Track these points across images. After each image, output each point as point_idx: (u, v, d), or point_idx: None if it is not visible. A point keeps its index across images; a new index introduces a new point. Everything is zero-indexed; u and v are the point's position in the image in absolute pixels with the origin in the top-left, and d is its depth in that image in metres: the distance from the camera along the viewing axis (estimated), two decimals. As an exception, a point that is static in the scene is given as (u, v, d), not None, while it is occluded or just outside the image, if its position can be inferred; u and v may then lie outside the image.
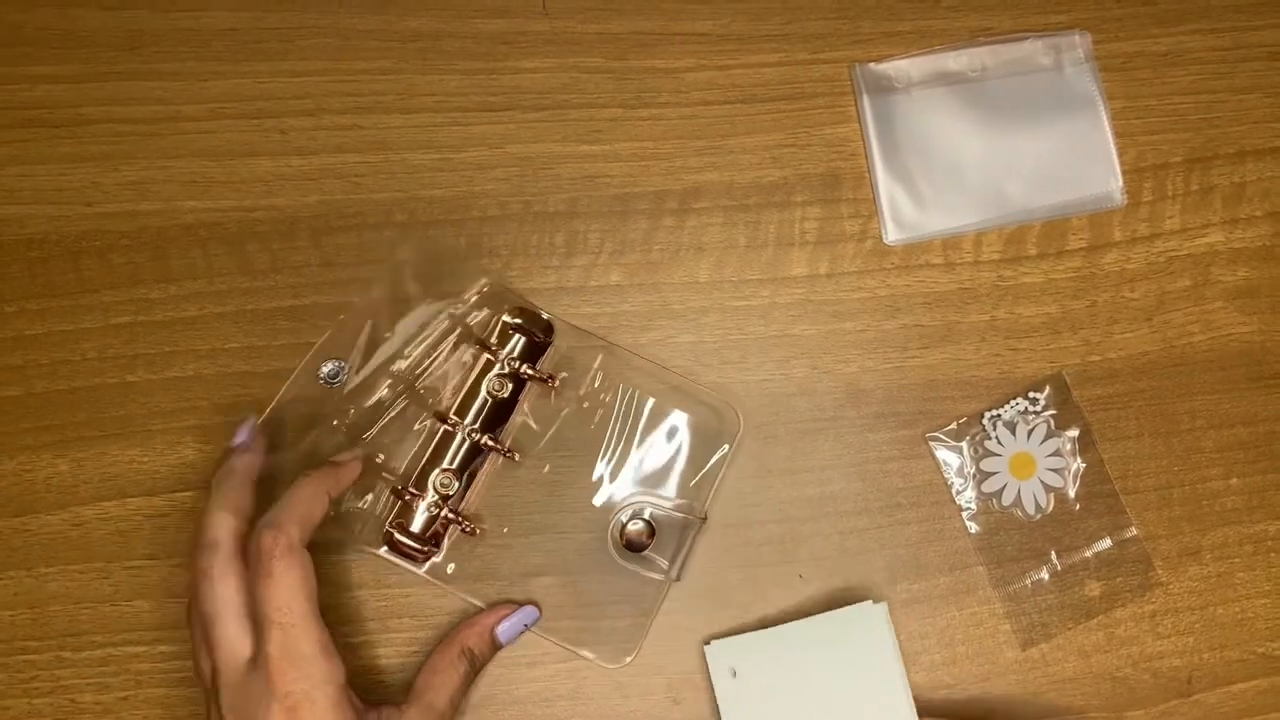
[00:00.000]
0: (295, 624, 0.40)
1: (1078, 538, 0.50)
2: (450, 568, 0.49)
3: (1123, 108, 0.53)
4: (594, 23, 0.53)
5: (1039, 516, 0.50)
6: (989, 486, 0.50)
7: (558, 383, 0.49)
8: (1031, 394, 0.51)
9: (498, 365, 0.49)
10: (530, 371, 0.49)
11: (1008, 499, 0.50)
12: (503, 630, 0.47)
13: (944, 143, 0.52)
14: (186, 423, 0.50)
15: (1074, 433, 0.50)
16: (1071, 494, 0.50)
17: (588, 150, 0.52)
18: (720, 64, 0.53)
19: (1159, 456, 0.51)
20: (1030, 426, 0.50)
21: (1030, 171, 0.52)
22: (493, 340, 0.49)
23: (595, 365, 0.50)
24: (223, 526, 0.42)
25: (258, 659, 0.40)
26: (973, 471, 0.50)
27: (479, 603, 0.48)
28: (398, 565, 0.48)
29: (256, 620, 0.41)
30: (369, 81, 0.52)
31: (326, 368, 0.45)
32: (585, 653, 0.48)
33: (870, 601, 0.47)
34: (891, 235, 0.52)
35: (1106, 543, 0.50)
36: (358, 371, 0.47)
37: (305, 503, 0.43)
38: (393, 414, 0.48)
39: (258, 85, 0.52)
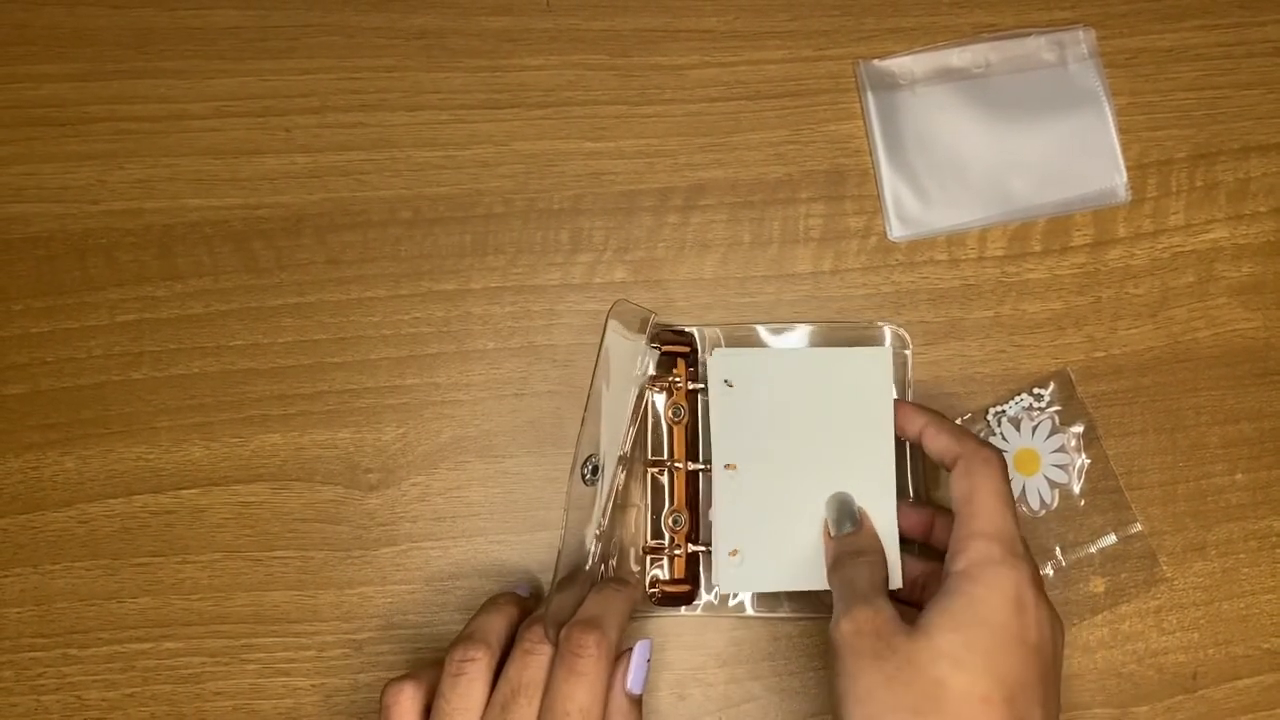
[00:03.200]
0: None
1: (1082, 534, 0.50)
2: (715, 594, 0.49)
3: (1127, 104, 0.53)
4: (598, 20, 0.53)
5: (1044, 512, 0.50)
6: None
7: (736, 384, 0.48)
8: (1036, 390, 0.51)
9: (666, 393, 0.49)
10: (695, 385, 0.49)
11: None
12: (634, 682, 0.42)
13: (948, 139, 0.52)
14: (192, 420, 0.50)
15: (1078, 429, 0.50)
16: (1076, 490, 0.50)
17: (592, 147, 0.52)
18: (725, 61, 0.53)
19: (1163, 452, 0.51)
20: (1035, 423, 0.50)
21: (1034, 168, 0.52)
22: (651, 373, 0.48)
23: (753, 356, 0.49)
24: (493, 631, 0.42)
25: None
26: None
27: (767, 614, 0.49)
28: (679, 615, 0.49)
29: (548, 711, 0.39)
30: (374, 79, 0.52)
31: (588, 468, 0.46)
32: None
33: (879, 347, 0.49)
34: (896, 232, 0.52)
35: (1111, 538, 0.50)
36: (603, 460, 0.47)
37: (621, 610, 0.42)
38: (622, 487, 0.48)
39: (263, 83, 0.52)
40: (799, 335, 0.50)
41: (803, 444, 0.47)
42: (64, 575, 0.49)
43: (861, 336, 0.50)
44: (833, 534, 0.45)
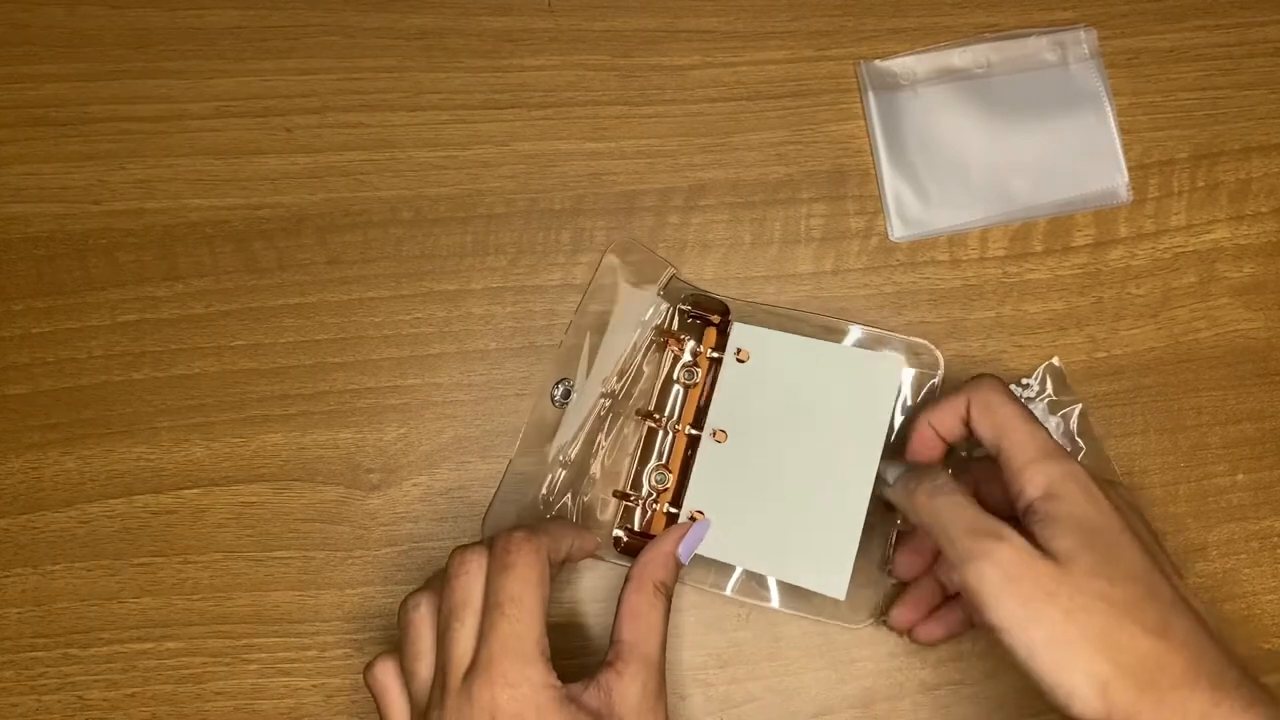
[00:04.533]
0: (522, 618, 0.38)
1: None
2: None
3: (1128, 104, 0.53)
4: (599, 20, 0.53)
5: None
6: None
7: (748, 358, 0.48)
8: (1023, 380, 0.50)
9: (684, 354, 0.49)
10: (715, 354, 0.49)
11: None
12: (684, 551, 0.45)
13: (949, 139, 0.52)
14: (193, 420, 0.50)
15: (1072, 417, 0.50)
16: None
17: (593, 147, 0.52)
18: (725, 61, 0.53)
19: (1165, 453, 0.51)
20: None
21: (1035, 168, 0.52)
22: (674, 331, 0.50)
23: (778, 339, 0.49)
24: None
25: (479, 659, 0.38)
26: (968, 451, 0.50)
27: (712, 590, 0.48)
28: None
29: (484, 614, 0.39)
30: (374, 79, 0.52)
31: (559, 390, 0.47)
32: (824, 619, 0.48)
33: (894, 353, 0.49)
34: (897, 232, 0.52)
35: None
36: (580, 388, 0.48)
37: (559, 532, 0.43)
38: (606, 426, 0.49)
39: (263, 83, 0.52)
40: (832, 328, 0.50)
41: (795, 432, 0.48)
42: (65, 575, 0.49)
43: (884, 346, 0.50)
44: (891, 480, 0.44)
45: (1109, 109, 0.53)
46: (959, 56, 0.53)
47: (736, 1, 0.53)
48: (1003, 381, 0.43)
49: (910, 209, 0.52)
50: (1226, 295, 0.52)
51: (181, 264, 0.51)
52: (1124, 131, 0.53)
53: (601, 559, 0.48)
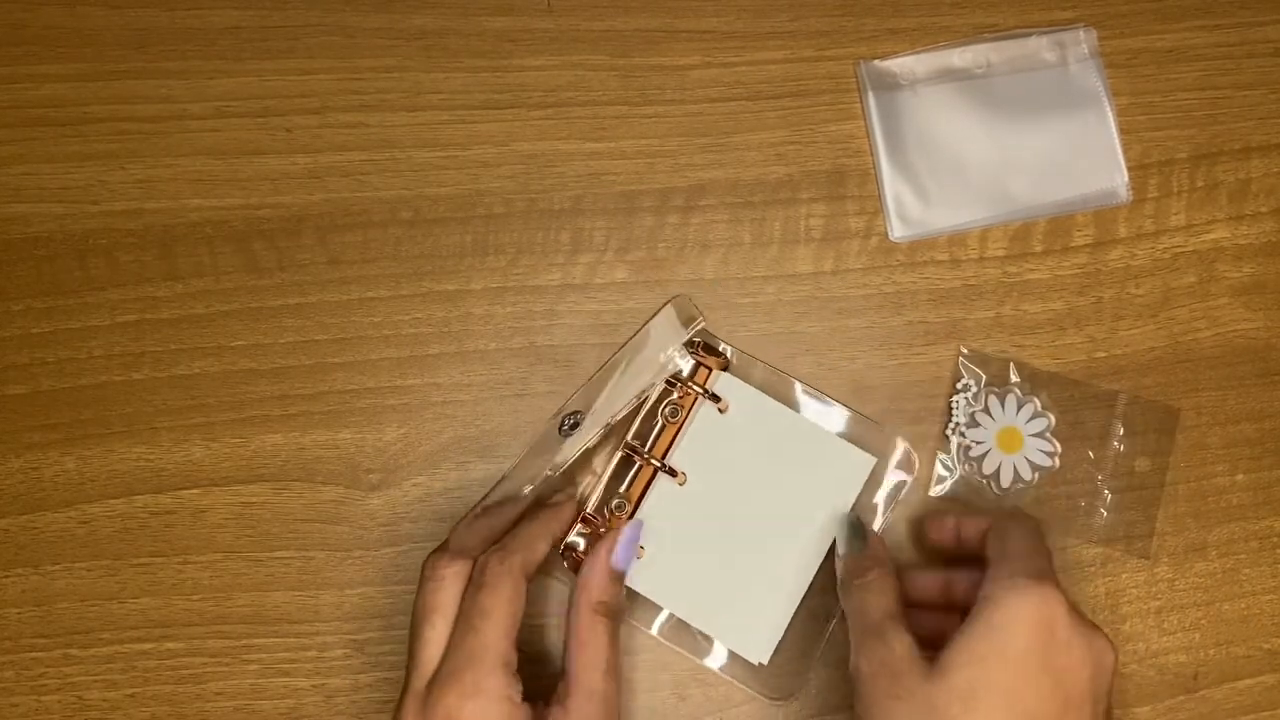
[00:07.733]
0: (488, 631, 0.40)
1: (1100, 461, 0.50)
2: None
3: (1128, 104, 0.53)
4: (599, 20, 0.53)
5: (1037, 478, 0.50)
6: (987, 469, 0.50)
7: (728, 409, 0.49)
8: (958, 385, 0.50)
9: (673, 392, 0.49)
10: (699, 391, 0.49)
11: (1006, 478, 0.50)
12: (619, 559, 0.45)
13: (949, 139, 0.52)
14: (193, 420, 0.50)
15: (1043, 394, 0.50)
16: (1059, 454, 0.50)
17: (593, 148, 0.52)
18: (725, 61, 0.53)
19: (1164, 453, 0.51)
20: (1001, 399, 0.50)
21: (1035, 168, 0.52)
22: (678, 372, 0.49)
23: (764, 397, 0.49)
24: (471, 540, 0.43)
25: (443, 669, 0.40)
26: (964, 459, 0.50)
27: (641, 628, 0.49)
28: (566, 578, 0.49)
29: (456, 625, 0.41)
30: (374, 79, 0.52)
31: (569, 422, 0.48)
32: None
33: (867, 456, 0.49)
34: (897, 232, 0.52)
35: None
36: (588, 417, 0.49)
37: (531, 539, 0.44)
38: (597, 450, 0.49)
39: (263, 83, 0.52)
40: (823, 408, 0.50)
41: (754, 495, 0.48)
42: (65, 576, 0.49)
43: (866, 437, 0.50)
44: (840, 553, 0.46)
45: (1108, 109, 0.53)
46: (958, 56, 0.53)
47: (736, 1, 0.53)
48: (1036, 521, 0.44)
49: (910, 209, 0.52)
50: (1226, 295, 0.52)
51: (181, 264, 0.51)
52: (1123, 131, 0.53)
53: (550, 575, 0.49)
